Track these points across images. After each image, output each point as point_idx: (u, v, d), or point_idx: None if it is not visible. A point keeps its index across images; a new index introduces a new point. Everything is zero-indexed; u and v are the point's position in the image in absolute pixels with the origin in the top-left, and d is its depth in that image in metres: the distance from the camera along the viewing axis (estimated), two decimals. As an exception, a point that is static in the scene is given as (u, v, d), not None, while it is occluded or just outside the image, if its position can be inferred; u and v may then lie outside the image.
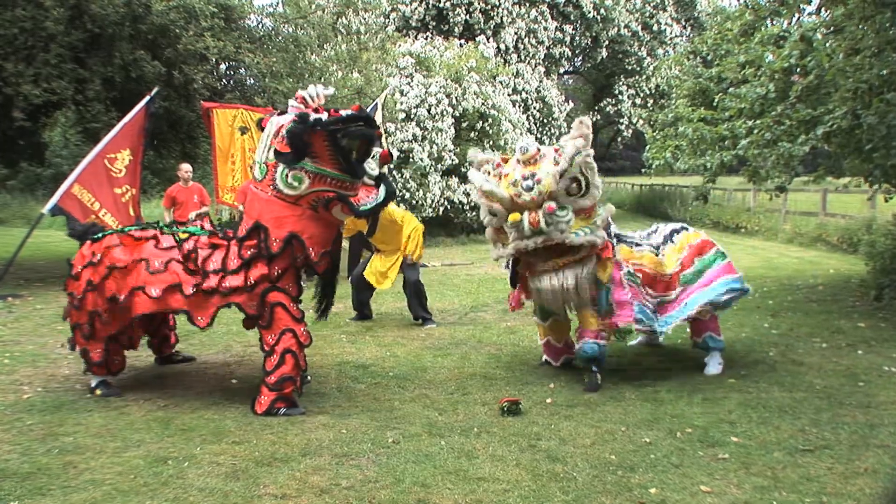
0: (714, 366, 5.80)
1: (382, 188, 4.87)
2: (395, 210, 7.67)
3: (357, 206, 4.73)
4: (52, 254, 13.25)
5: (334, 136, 4.49)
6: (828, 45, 7.40)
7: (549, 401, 5.08)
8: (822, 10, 7.79)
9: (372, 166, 4.91)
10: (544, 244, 5.01)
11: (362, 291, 8.00)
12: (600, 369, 5.40)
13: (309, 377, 5.50)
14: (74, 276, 5.11)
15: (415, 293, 7.80)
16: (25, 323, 7.54)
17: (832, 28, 7.60)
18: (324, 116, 4.62)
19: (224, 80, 12.44)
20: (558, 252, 5.12)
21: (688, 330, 6.06)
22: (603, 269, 5.29)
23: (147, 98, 9.58)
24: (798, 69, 7.29)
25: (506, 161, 5.30)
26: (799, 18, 8.43)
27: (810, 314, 8.04)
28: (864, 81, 6.73)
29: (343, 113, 4.62)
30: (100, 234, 5.25)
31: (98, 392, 5.12)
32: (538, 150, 5.09)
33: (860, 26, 6.90)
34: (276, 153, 4.63)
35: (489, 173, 5.22)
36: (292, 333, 4.78)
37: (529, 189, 4.95)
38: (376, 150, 5.02)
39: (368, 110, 11.59)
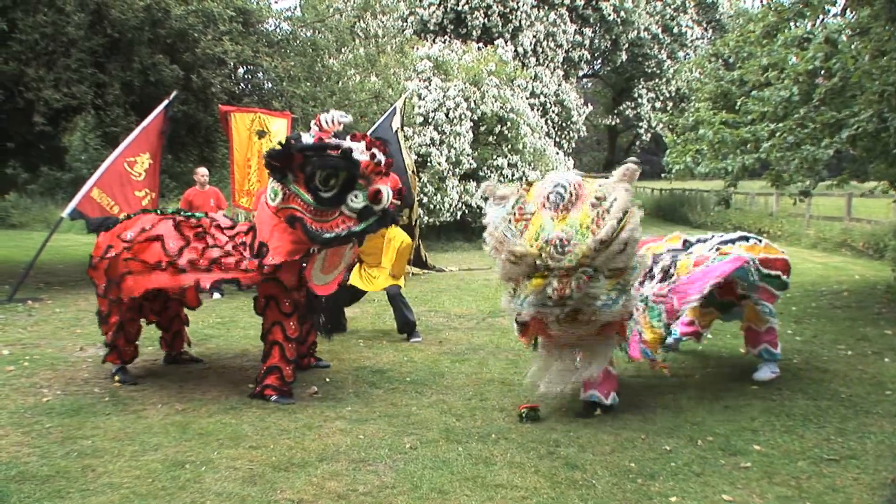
0: (765, 372, 5.66)
1: (361, 224, 4.80)
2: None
3: (313, 231, 4.77)
4: (71, 257, 13.38)
5: (306, 160, 4.73)
6: (853, 46, 7.29)
7: (564, 409, 5.02)
8: (848, 11, 7.68)
9: (355, 197, 4.75)
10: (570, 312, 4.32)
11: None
12: (606, 409, 4.93)
13: (327, 378, 5.51)
14: (94, 266, 5.43)
15: (396, 308, 7.30)
16: (45, 326, 7.58)
17: (858, 30, 7.48)
18: (308, 139, 4.86)
19: (242, 84, 12.49)
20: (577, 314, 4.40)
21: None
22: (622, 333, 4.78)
23: (165, 102, 9.68)
24: (822, 72, 7.19)
25: (528, 193, 4.40)
26: (823, 20, 8.32)
27: (835, 321, 7.91)
28: (890, 84, 6.62)
29: (324, 141, 4.81)
30: (111, 223, 5.66)
31: (117, 378, 5.46)
32: (572, 193, 4.21)
33: (886, 27, 6.80)
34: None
35: (512, 217, 4.33)
36: (280, 327, 5.15)
37: (561, 254, 4.06)
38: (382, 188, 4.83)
39: (386, 115, 11.65)
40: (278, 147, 4.81)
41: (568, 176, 4.32)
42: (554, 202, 4.20)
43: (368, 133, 11.28)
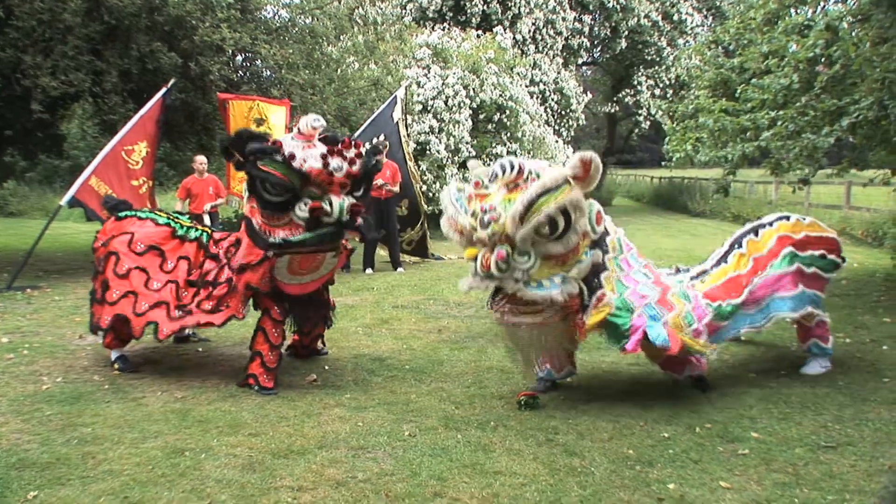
0: (814, 367, 5.45)
1: (305, 234, 4.77)
2: None
3: (258, 233, 4.83)
4: (70, 246, 13.37)
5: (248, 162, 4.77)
6: (854, 34, 7.26)
7: (563, 397, 5.03)
8: (849, -3, 7.65)
9: (303, 205, 4.69)
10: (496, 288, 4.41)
11: None
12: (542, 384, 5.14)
13: (326, 366, 5.55)
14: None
15: None
16: (44, 314, 7.59)
17: (859, 16, 7.44)
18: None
19: (240, 72, 12.42)
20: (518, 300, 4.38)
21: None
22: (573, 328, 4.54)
23: (163, 90, 9.66)
24: (823, 59, 7.16)
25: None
26: (824, 7, 8.28)
27: (833, 309, 7.84)
28: (891, 71, 6.60)
29: (271, 145, 4.76)
30: (124, 214, 5.69)
31: (116, 366, 5.48)
32: (521, 171, 4.21)
33: (888, 14, 6.76)
34: None
35: (467, 194, 4.41)
36: (268, 314, 5.16)
37: (485, 225, 4.17)
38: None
39: (386, 104, 11.62)
40: (233, 136, 4.86)
41: (512, 160, 4.30)
42: (493, 176, 4.28)
43: (367, 122, 11.30)
